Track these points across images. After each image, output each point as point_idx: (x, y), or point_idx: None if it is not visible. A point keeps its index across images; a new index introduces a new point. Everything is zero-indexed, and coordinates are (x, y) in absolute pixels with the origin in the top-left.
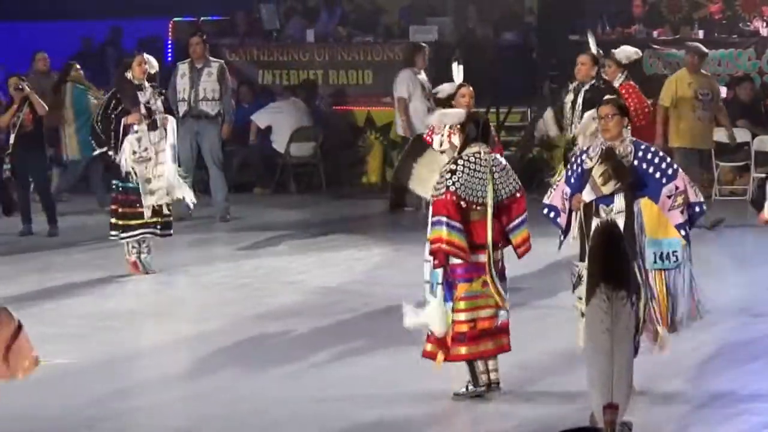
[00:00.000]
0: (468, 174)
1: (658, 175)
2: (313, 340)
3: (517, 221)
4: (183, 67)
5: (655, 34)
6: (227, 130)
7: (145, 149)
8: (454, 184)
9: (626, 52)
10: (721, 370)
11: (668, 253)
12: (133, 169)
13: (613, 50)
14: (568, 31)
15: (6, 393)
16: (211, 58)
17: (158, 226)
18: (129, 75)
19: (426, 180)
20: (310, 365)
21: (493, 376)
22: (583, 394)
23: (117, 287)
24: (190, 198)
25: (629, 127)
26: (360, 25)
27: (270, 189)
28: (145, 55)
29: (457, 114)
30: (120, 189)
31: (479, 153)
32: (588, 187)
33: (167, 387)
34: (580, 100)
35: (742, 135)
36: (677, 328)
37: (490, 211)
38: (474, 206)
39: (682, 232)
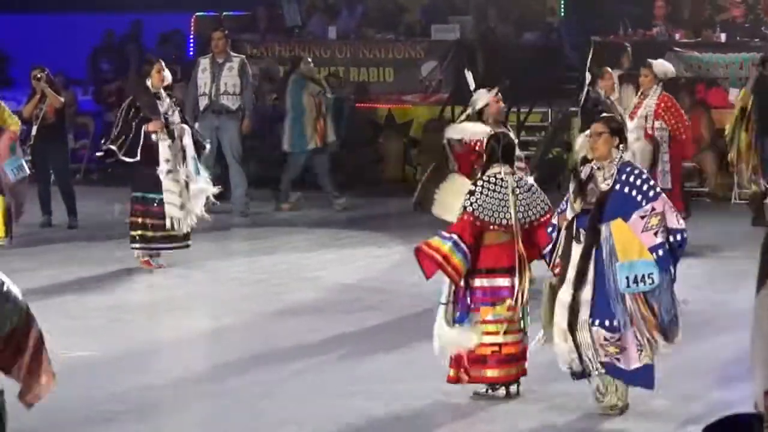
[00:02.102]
0: (486, 195)
1: (639, 197)
2: (331, 337)
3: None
4: (204, 62)
5: (676, 36)
6: (248, 124)
7: (174, 156)
8: (471, 204)
9: (665, 67)
10: (740, 374)
11: (643, 276)
12: (163, 179)
13: (650, 60)
14: (590, 33)
15: None
16: (232, 53)
17: (176, 242)
18: (148, 82)
19: (450, 205)
20: (328, 362)
21: None
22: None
23: (136, 281)
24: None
25: (622, 148)
26: (381, 23)
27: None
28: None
29: (471, 130)
30: (142, 200)
31: (500, 173)
32: (568, 205)
33: (186, 382)
34: None
35: None
36: (673, 341)
37: (517, 233)
38: (492, 227)
39: (654, 255)
